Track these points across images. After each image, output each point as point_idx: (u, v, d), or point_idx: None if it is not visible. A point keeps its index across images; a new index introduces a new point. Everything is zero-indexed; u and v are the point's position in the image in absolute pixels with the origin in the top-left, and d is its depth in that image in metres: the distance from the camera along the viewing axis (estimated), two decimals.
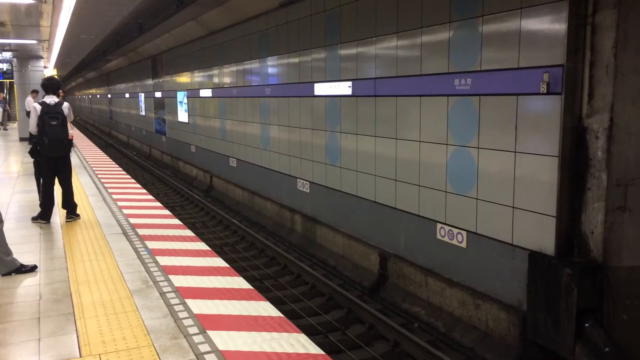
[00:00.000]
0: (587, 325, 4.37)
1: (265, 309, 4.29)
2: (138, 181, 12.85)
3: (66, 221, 7.08)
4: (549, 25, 4.48)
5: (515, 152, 4.90)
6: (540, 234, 4.71)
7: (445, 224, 5.84)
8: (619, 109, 4.21)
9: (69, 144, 6.95)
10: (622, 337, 4.34)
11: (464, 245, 5.60)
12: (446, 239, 5.83)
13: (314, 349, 3.64)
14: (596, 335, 4.33)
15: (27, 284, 4.87)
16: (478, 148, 5.33)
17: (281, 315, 4.20)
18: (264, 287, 6.97)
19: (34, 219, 7.06)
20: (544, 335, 4.65)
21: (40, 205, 7.06)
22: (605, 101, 4.25)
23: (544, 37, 4.53)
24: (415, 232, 6.33)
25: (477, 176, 5.36)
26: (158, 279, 4.93)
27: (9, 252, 5.07)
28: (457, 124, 5.57)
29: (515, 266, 4.98)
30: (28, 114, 15.08)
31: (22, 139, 18.51)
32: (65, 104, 6.92)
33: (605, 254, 4.35)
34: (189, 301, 4.39)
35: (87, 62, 29.66)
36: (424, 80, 5.97)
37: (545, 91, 4.48)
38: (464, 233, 5.57)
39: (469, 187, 5.46)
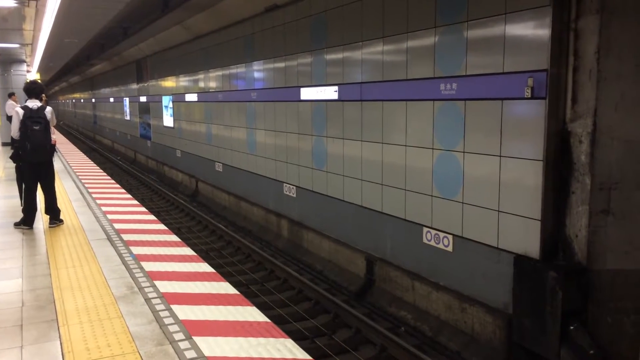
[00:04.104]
0: (572, 328, 4.40)
1: (251, 314, 4.27)
2: (123, 186, 12.73)
3: (49, 227, 6.98)
4: (533, 30, 4.53)
5: (500, 156, 4.94)
6: (526, 238, 4.74)
7: (431, 228, 5.86)
8: (602, 113, 4.26)
9: (51, 149, 6.85)
10: (606, 339, 4.38)
11: (450, 249, 5.62)
12: (432, 243, 5.85)
13: (300, 354, 3.62)
14: (581, 338, 4.36)
15: (9, 290, 4.79)
16: (464, 152, 5.36)
17: (268, 320, 4.18)
18: (250, 293, 6.93)
19: (17, 224, 6.96)
20: (530, 338, 4.68)
21: (23, 211, 6.97)
22: (588, 106, 4.31)
23: (528, 42, 4.58)
24: (402, 236, 6.34)
25: (463, 180, 5.39)
26: (143, 284, 4.88)
27: None
28: (442, 128, 5.60)
29: (501, 270, 5.01)
30: (9, 118, 14.91)
31: (4, 144, 18.26)
32: (48, 109, 6.82)
33: (589, 257, 4.40)
34: (174, 307, 4.34)
35: (71, 67, 29.42)
36: (410, 85, 6.00)
37: (529, 96, 4.52)
38: (450, 237, 5.60)
39: (455, 191, 5.49)
